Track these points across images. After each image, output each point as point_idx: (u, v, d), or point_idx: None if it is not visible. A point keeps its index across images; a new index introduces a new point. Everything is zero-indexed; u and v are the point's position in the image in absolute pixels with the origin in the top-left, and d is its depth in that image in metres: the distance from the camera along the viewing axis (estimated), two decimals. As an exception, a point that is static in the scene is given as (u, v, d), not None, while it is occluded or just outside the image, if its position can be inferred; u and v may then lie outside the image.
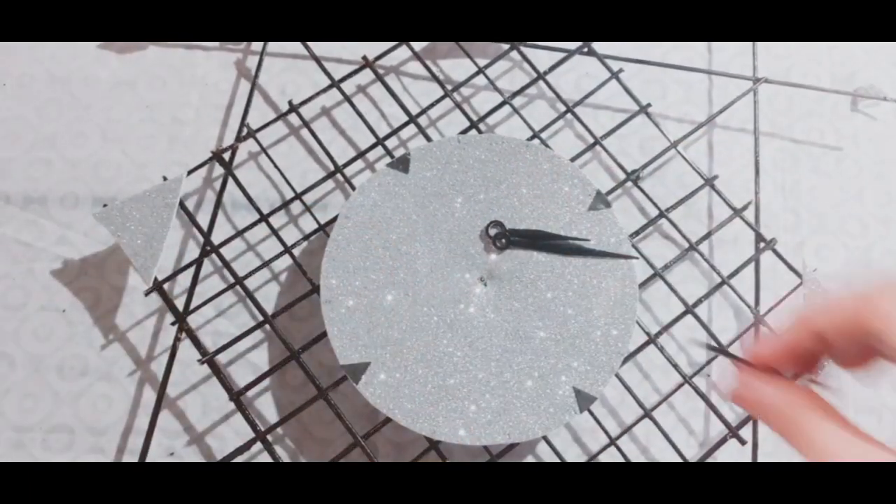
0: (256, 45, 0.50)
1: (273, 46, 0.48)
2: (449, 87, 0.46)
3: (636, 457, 0.43)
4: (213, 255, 0.43)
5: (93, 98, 0.48)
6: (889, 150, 0.50)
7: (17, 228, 0.45)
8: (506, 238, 0.39)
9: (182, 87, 0.49)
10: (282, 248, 0.42)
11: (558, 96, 0.46)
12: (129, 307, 0.44)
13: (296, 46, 0.46)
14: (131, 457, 0.42)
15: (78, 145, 0.47)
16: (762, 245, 0.44)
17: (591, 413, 0.40)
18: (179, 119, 0.48)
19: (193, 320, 0.42)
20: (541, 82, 0.47)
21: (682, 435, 0.43)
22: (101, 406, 0.43)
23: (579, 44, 0.47)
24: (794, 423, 0.25)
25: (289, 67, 0.49)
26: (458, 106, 0.45)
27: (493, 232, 0.39)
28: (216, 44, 0.50)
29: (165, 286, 0.41)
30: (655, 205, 0.44)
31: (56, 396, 0.43)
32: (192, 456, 0.42)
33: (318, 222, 0.42)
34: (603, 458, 0.40)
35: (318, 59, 0.46)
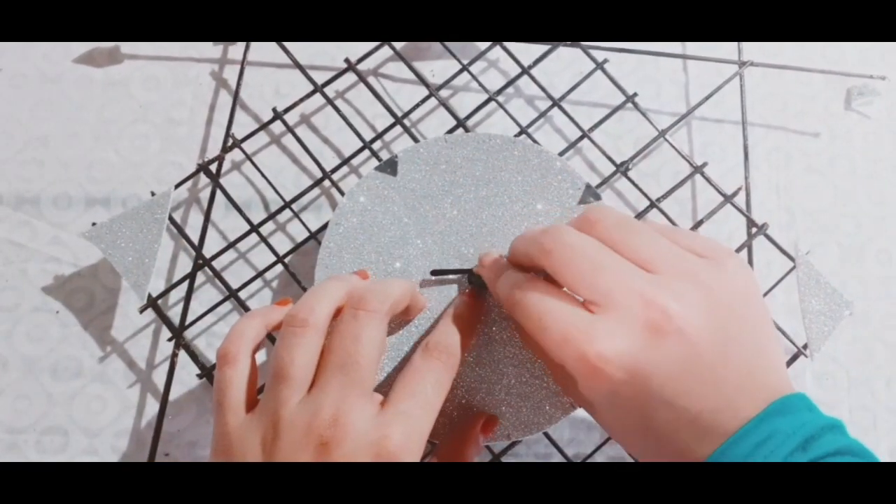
0: (236, 54, 0.49)
1: (253, 53, 0.47)
2: (432, 86, 0.45)
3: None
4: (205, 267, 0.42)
5: (85, 98, 0.48)
6: (883, 148, 0.49)
7: (9, 229, 0.45)
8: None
9: (176, 86, 0.49)
10: (273, 257, 0.41)
11: (544, 90, 0.45)
12: (124, 308, 0.44)
13: (278, 54, 0.45)
14: (125, 459, 0.42)
15: (71, 145, 0.47)
16: (754, 230, 0.43)
17: None
18: (173, 119, 0.48)
19: (189, 330, 0.42)
20: (525, 76, 0.46)
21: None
22: (95, 407, 0.43)
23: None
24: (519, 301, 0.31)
25: (272, 72, 0.49)
26: (443, 104, 0.45)
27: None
28: (209, 43, 0.49)
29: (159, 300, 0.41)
30: (646, 195, 0.44)
31: (50, 398, 0.43)
32: (188, 460, 0.42)
33: (308, 230, 0.42)
34: (606, 448, 0.40)
35: (299, 64, 0.45)
